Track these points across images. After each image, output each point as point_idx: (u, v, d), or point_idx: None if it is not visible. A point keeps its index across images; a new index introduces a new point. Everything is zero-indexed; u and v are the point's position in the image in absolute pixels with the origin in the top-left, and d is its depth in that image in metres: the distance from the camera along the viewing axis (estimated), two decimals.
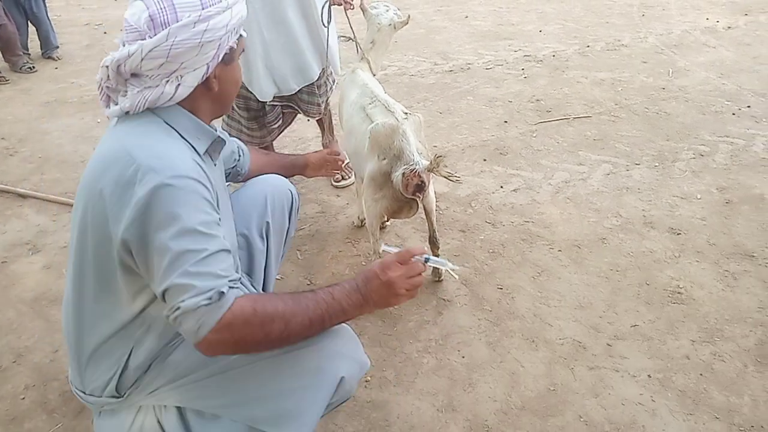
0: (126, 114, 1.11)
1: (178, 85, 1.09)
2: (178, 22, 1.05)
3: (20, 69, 4.25)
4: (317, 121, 2.80)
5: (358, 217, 2.48)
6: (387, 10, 2.33)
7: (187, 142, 1.13)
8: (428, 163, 1.74)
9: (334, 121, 2.83)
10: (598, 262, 2.29)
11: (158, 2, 1.06)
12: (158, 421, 1.22)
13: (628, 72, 4.19)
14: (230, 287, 1.04)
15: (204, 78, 1.12)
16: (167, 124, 1.12)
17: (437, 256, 2.00)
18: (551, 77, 4.15)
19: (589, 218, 2.56)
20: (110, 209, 1.03)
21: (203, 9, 1.07)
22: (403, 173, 1.77)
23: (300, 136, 3.33)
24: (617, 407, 1.69)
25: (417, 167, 1.76)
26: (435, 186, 2.77)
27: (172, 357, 1.20)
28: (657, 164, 2.98)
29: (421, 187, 1.81)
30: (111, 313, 1.14)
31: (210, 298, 1.01)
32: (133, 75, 1.09)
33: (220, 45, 1.10)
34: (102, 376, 1.18)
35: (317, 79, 2.48)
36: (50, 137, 3.34)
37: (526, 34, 5.15)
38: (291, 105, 2.57)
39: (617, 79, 4.07)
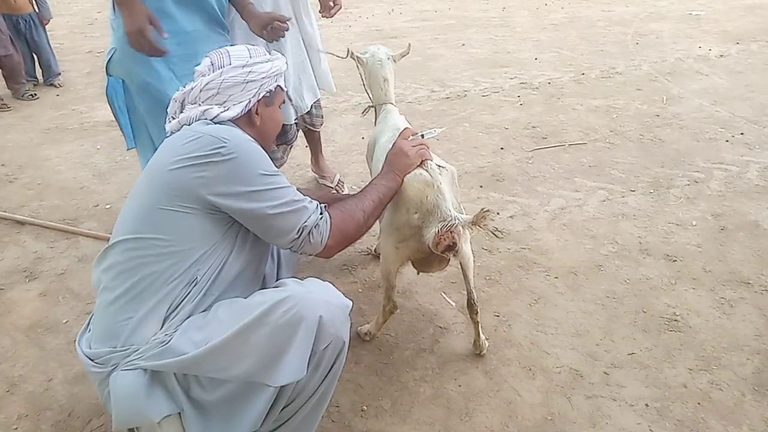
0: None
1: (226, 109, 1.43)
2: (229, 65, 1.43)
3: (22, 96, 4.31)
4: (307, 134, 2.97)
5: (375, 250, 2.46)
6: (378, 49, 2.22)
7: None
8: (469, 217, 1.62)
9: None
10: (594, 289, 2.29)
11: (220, 54, 1.47)
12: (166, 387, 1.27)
13: (623, 99, 4.25)
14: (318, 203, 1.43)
15: (246, 110, 1.45)
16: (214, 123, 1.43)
17: (477, 323, 1.91)
18: (547, 104, 4.21)
19: (585, 245, 2.57)
20: (200, 174, 1.28)
21: (251, 58, 1.46)
22: (436, 231, 1.64)
23: (298, 163, 3.36)
24: None
25: (454, 224, 1.63)
26: None
27: (210, 314, 1.30)
28: (652, 191, 3.01)
29: (452, 248, 1.68)
30: (171, 265, 1.29)
31: (321, 214, 1.42)
32: (192, 103, 1.45)
33: (261, 86, 1.46)
34: (143, 329, 1.27)
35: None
36: (50, 164, 3.37)
37: (522, 61, 5.23)
38: (298, 121, 2.73)
39: (612, 106, 4.12)
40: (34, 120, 4.03)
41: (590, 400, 1.81)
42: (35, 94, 4.38)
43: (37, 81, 4.64)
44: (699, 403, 1.79)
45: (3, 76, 4.34)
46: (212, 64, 1.45)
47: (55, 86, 4.61)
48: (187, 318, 1.30)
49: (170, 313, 1.28)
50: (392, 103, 2.15)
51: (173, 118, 1.47)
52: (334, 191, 2.93)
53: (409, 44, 2.40)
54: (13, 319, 2.14)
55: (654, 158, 3.36)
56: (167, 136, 1.45)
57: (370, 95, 2.19)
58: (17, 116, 4.10)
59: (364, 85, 2.23)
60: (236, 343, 1.22)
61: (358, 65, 2.21)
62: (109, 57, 1.95)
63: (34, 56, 4.59)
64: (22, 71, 4.34)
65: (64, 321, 2.12)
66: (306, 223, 1.37)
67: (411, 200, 1.66)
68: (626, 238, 2.61)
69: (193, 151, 1.29)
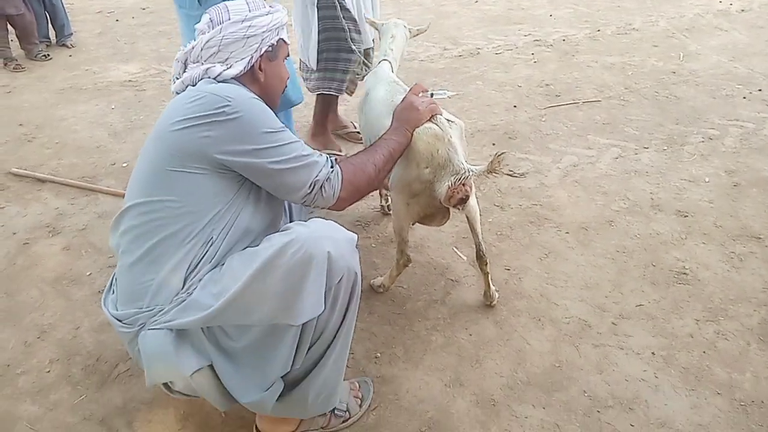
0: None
1: (229, 67, 1.40)
2: (228, 20, 1.39)
3: (35, 57, 4.33)
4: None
5: (387, 207, 2.49)
6: (396, 23, 2.26)
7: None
8: (483, 167, 1.60)
9: None
10: (605, 243, 2.32)
11: (218, 10, 1.42)
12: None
13: (639, 56, 4.17)
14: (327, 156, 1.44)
15: (249, 66, 1.42)
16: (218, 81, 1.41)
17: (486, 274, 1.95)
18: (561, 62, 4.14)
19: (596, 201, 2.58)
20: (206, 134, 1.28)
21: (250, 12, 1.41)
22: (449, 185, 1.63)
23: (308, 120, 3.37)
24: (621, 383, 1.74)
25: (467, 176, 1.62)
26: None
27: (224, 266, 1.32)
28: (666, 148, 2.99)
29: (464, 200, 1.67)
30: (188, 224, 1.31)
31: (332, 167, 1.42)
32: (194, 62, 1.43)
33: (262, 40, 1.42)
34: (169, 284, 1.31)
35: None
36: (66, 123, 3.41)
37: (536, 18, 5.13)
38: None
39: (627, 63, 4.05)
40: (48, 80, 4.06)
41: (598, 348, 1.86)
42: (48, 55, 4.40)
43: (50, 41, 4.64)
44: (704, 352, 1.83)
45: (16, 36, 4.34)
46: (211, 21, 1.41)
47: (68, 47, 4.61)
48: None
49: (190, 273, 1.31)
50: (389, 61, 2.17)
51: (177, 79, 1.46)
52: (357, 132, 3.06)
53: (429, 23, 2.40)
54: (39, 272, 2.22)
55: (669, 115, 3.32)
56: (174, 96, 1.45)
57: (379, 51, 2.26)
58: (31, 77, 4.13)
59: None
60: (252, 288, 1.24)
61: (375, 28, 2.34)
62: None
63: (48, 16, 4.57)
64: (35, 31, 4.34)
65: (87, 273, 2.20)
66: (317, 177, 1.37)
67: (421, 154, 1.65)
68: (638, 194, 2.62)
69: (198, 111, 1.28)
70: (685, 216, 2.47)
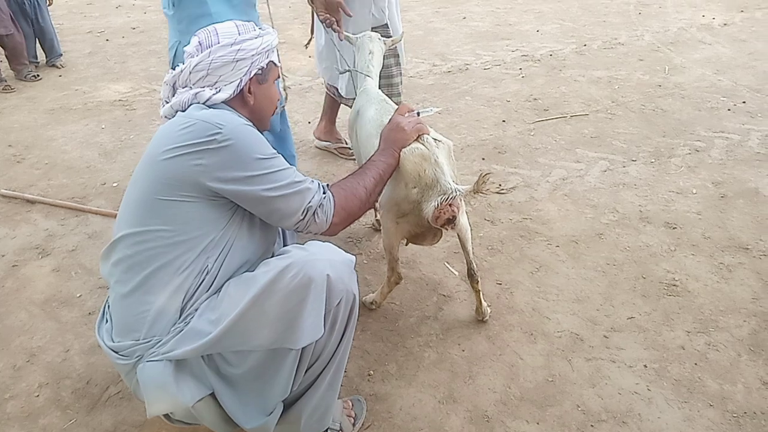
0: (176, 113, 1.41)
1: (218, 91, 1.39)
2: (218, 44, 1.38)
3: (25, 77, 4.32)
4: (332, 102, 3.12)
5: (377, 221, 2.50)
6: (371, 36, 2.28)
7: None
8: (469, 187, 1.61)
9: None
10: (595, 256, 2.34)
11: (207, 33, 1.41)
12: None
13: (625, 70, 4.24)
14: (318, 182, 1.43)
15: (239, 90, 1.41)
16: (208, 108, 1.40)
17: (478, 291, 1.94)
18: (548, 76, 4.20)
19: (586, 214, 2.60)
20: (197, 162, 1.27)
21: (239, 35, 1.40)
22: (436, 205, 1.63)
23: (302, 139, 3.38)
24: (614, 396, 1.74)
25: (453, 196, 1.62)
26: None
27: (221, 293, 1.32)
28: (653, 160, 3.03)
29: (451, 221, 1.68)
30: (181, 253, 1.30)
31: (324, 193, 1.42)
32: (183, 86, 1.42)
33: (252, 63, 1.41)
34: (165, 316, 1.30)
35: None
36: (56, 144, 3.40)
37: (524, 34, 5.20)
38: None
39: (614, 77, 4.11)
40: (38, 101, 4.05)
41: (590, 362, 1.86)
42: (38, 75, 4.39)
43: (39, 62, 4.64)
44: (696, 364, 1.84)
45: (5, 57, 4.34)
46: (200, 44, 1.39)
47: (57, 67, 4.61)
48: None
49: (187, 302, 1.30)
50: (372, 78, 2.19)
51: (166, 102, 1.44)
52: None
53: (402, 32, 2.44)
54: (29, 294, 2.20)
55: (655, 128, 3.37)
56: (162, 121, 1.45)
57: (355, 67, 2.27)
58: (21, 97, 4.12)
59: (352, 62, 2.32)
60: (251, 314, 1.24)
61: (350, 43, 2.33)
62: (174, 51, 2.08)
63: (36, 37, 4.58)
64: (25, 51, 4.34)
65: (77, 295, 2.18)
66: (311, 204, 1.37)
67: (409, 175, 1.65)
68: (627, 206, 2.65)
69: (189, 139, 1.27)
70: (674, 228, 2.49)
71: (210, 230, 1.31)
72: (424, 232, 1.82)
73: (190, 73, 1.38)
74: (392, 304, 2.12)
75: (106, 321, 1.39)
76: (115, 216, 2.64)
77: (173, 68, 2.12)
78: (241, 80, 1.40)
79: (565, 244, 2.41)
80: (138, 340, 1.29)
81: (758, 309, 2.05)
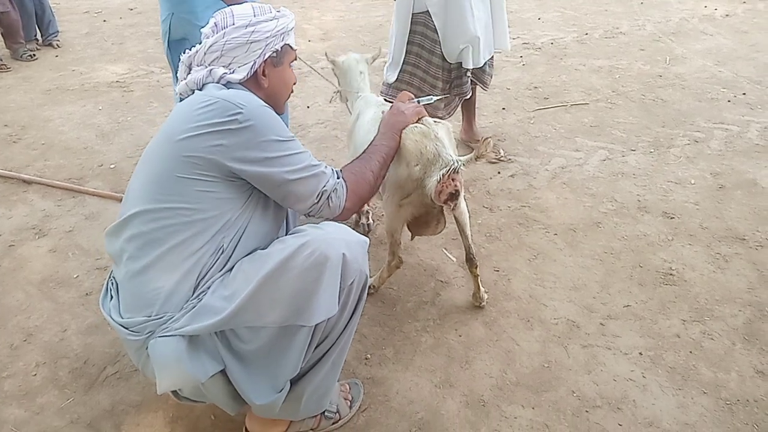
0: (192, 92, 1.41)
1: (232, 71, 1.40)
2: (232, 25, 1.39)
3: (21, 57, 4.28)
4: (463, 103, 2.96)
5: (367, 224, 2.46)
6: (356, 58, 2.25)
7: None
8: (471, 155, 1.61)
9: None
10: (592, 245, 2.34)
11: (224, 14, 1.42)
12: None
13: (626, 59, 4.22)
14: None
15: (253, 71, 1.42)
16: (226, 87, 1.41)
17: (476, 276, 1.96)
18: (549, 65, 4.18)
19: (584, 203, 2.61)
20: (218, 142, 1.27)
21: (254, 17, 1.41)
22: (439, 179, 1.62)
23: (300, 123, 3.37)
24: (609, 383, 1.75)
25: (456, 167, 1.62)
26: None
27: (233, 270, 1.32)
28: (652, 150, 3.03)
29: (454, 196, 1.67)
30: (197, 231, 1.30)
31: (338, 177, 1.45)
32: (198, 65, 1.43)
33: (266, 46, 1.42)
34: (179, 290, 1.29)
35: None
36: (53, 124, 3.38)
37: (525, 21, 5.17)
38: (475, 76, 2.81)
39: (615, 67, 4.10)
40: (34, 81, 4.01)
41: (586, 349, 1.87)
42: (34, 55, 4.35)
43: (36, 39, 4.59)
44: (691, 352, 1.86)
45: (1, 35, 4.29)
46: (216, 25, 1.41)
47: (53, 46, 4.56)
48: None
49: (200, 280, 1.30)
50: (366, 93, 2.22)
51: (183, 81, 1.46)
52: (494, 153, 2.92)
53: (380, 48, 2.38)
54: (26, 274, 2.20)
55: (655, 118, 3.36)
56: (178, 100, 1.45)
57: (347, 89, 2.24)
58: (17, 77, 4.08)
59: (337, 84, 2.32)
60: (266, 290, 1.25)
61: (333, 67, 2.28)
62: (168, 23, 2.06)
63: (36, 13, 4.51)
64: (20, 30, 4.29)
65: (74, 276, 2.18)
66: (325, 188, 1.40)
67: (411, 153, 1.67)
68: (625, 196, 2.65)
69: (210, 118, 1.27)
70: (672, 218, 2.50)
71: (227, 210, 1.32)
72: (428, 215, 1.83)
73: (205, 53, 1.40)
74: (390, 289, 2.12)
75: (111, 297, 1.38)
76: (112, 197, 2.64)
77: (168, 43, 2.12)
78: (255, 62, 1.41)
79: (563, 232, 2.42)
80: (150, 316, 1.28)
81: (753, 299, 2.06)
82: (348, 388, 1.68)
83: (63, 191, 2.72)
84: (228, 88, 1.38)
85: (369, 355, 1.85)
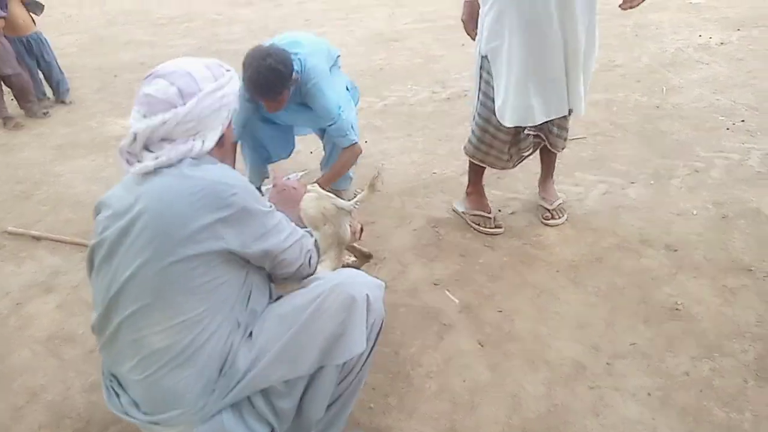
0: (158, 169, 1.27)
1: (203, 140, 1.30)
2: (201, 91, 1.27)
3: (35, 115, 4.42)
4: (542, 151, 2.74)
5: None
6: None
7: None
8: (363, 193, 1.94)
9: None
10: (596, 281, 2.32)
11: (182, 77, 1.27)
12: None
13: (623, 92, 4.26)
14: None
15: (220, 136, 1.35)
16: (199, 163, 1.31)
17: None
18: None
19: (585, 238, 2.60)
20: (222, 234, 1.23)
21: (216, 80, 1.31)
22: (350, 225, 1.91)
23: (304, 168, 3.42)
24: (618, 427, 1.71)
25: (356, 208, 1.92)
26: (435, 212, 2.85)
27: (254, 332, 1.34)
28: (653, 182, 3.03)
29: (362, 229, 2.01)
30: (202, 318, 1.26)
31: (311, 236, 1.49)
32: (162, 139, 1.27)
33: (229, 108, 1.35)
34: (196, 384, 1.27)
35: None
36: (63, 179, 3.46)
37: None
38: (540, 135, 2.57)
39: (612, 100, 4.14)
40: (47, 137, 4.14)
41: (593, 390, 1.84)
42: (47, 112, 4.49)
43: (48, 98, 4.74)
44: (701, 391, 1.81)
45: (14, 96, 4.44)
46: (180, 92, 1.25)
47: (65, 103, 4.71)
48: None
49: (225, 361, 1.29)
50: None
51: (132, 156, 1.27)
52: (549, 215, 2.72)
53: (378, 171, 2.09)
54: (32, 332, 2.22)
55: (654, 149, 3.37)
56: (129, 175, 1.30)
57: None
58: (31, 134, 4.21)
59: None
60: (298, 340, 1.31)
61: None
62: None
63: (42, 74, 4.68)
64: (32, 89, 4.45)
65: (80, 332, 2.20)
66: (309, 248, 1.44)
67: (316, 218, 1.87)
68: (627, 229, 2.64)
69: (206, 207, 1.21)
70: (675, 250, 2.48)
71: (234, 292, 1.31)
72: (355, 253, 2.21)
73: (177, 124, 1.24)
74: (393, 333, 2.11)
75: (117, 395, 1.34)
76: None
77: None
78: (223, 125, 1.34)
79: (566, 269, 2.41)
80: (182, 409, 1.26)
81: (764, 332, 2.02)
82: None
83: (71, 246, 2.77)
84: (198, 162, 1.29)
85: (372, 405, 1.83)
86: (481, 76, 2.46)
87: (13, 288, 2.48)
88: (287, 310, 1.35)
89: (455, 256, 2.53)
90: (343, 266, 2.03)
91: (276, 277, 1.44)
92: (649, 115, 3.85)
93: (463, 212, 2.78)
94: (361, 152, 2.68)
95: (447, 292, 2.31)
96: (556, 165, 2.84)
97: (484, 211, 2.69)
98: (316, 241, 1.51)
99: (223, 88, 1.31)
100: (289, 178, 1.94)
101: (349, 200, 1.94)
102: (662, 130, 3.61)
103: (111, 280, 1.26)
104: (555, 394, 1.84)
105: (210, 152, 1.33)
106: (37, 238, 2.84)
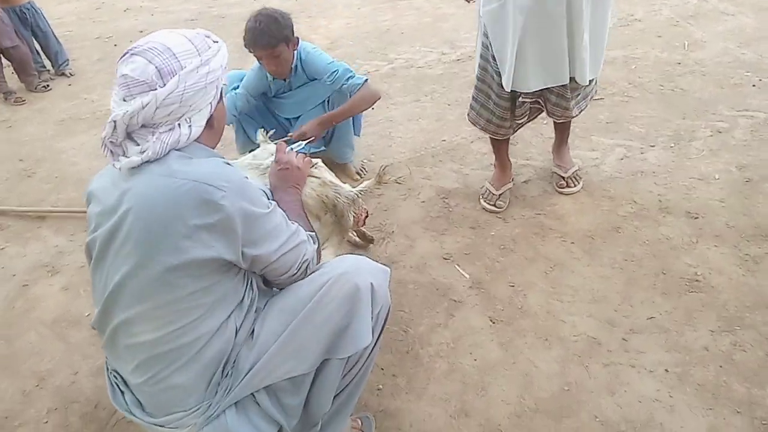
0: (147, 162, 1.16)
1: (190, 126, 1.19)
2: (183, 69, 1.15)
3: (35, 89, 4.34)
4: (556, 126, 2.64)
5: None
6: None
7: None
8: (371, 182, 1.79)
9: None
10: (612, 252, 2.24)
11: (160, 54, 1.14)
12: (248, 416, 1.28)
13: (642, 48, 4.06)
14: None
15: (209, 115, 1.23)
16: (188, 156, 1.20)
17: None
18: None
19: (602, 207, 2.50)
20: (212, 244, 1.14)
21: (200, 55, 1.19)
22: (353, 214, 1.80)
23: None
24: (634, 405, 1.66)
25: (359, 197, 1.78)
26: (444, 182, 2.76)
27: (256, 328, 1.29)
28: (673, 145, 2.89)
29: (367, 216, 1.91)
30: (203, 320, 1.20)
31: (314, 242, 1.37)
32: (143, 126, 1.16)
33: (218, 85, 1.23)
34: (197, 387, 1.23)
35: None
36: (66, 156, 3.41)
37: None
38: (539, 102, 2.40)
39: (630, 57, 3.95)
40: (48, 112, 4.06)
41: (608, 367, 1.78)
42: (48, 86, 4.41)
43: (48, 70, 4.65)
44: (721, 366, 1.75)
45: (14, 69, 4.36)
46: (159, 71, 1.13)
47: (66, 75, 4.62)
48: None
49: (227, 360, 1.25)
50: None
51: (116, 147, 1.18)
52: (564, 183, 2.61)
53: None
54: (38, 314, 2.21)
55: (675, 110, 3.22)
56: (115, 167, 1.20)
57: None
58: (32, 109, 4.14)
59: None
60: (301, 334, 1.25)
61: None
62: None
63: (39, 46, 4.57)
64: (32, 63, 4.35)
65: (86, 314, 2.18)
66: (306, 257, 1.31)
67: (316, 207, 1.74)
68: (645, 196, 2.53)
69: (189, 211, 1.11)
70: (696, 217, 2.37)
71: (234, 292, 1.24)
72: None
73: (157, 108, 1.12)
74: (401, 311, 2.06)
75: (122, 392, 1.29)
76: None
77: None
78: (211, 105, 1.22)
79: (581, 240, 2.32)
80: (187, 410, 1.22)
81: None
82: (360, 423, 1.63)
83: (75, 225, 2.73)
84: (187, 154, 1.19)
85: (381, 386, 1.79)
86: (482, 41, 2.33)
87: (18, 270, 2.46)
88: (289, 303, 1.29)
89: (465, 229, 2.45)
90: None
91: (271, 281, 1.35)
92: (670, 72, 3.66)
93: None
94: (379, 95, 2.60)
95: (457, 267, 2.25)
96: (571, 129, 2.71)
97: (494, 186, 2.58)
98: (318, 246, 1.40)
99: (209, 63, 1.19)
100: (292, 149, 1.74)
101: (353, 188, 1.81)
102: (683, 89, 3.43)
103: (105, 281, 1.21)
104: (568, 371, 1.78)
105: (199, 138, 1.23)
106: (42, 217, 2.80)
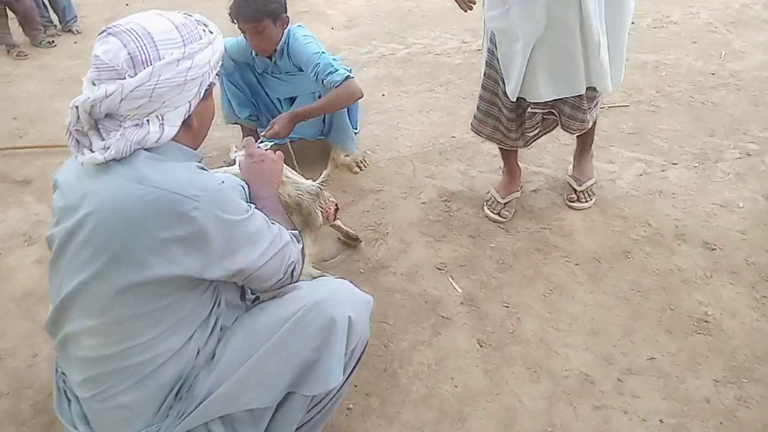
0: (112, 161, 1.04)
1: (162, 123, 1.06)
2: (161, 60, 1.01)
3: (40, 44, 4.22)
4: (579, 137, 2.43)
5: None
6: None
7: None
8: (325, 172, 1.72)
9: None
10: (618, 279, 2.08)
11: (137, 39, 1.01)
12: None
13: (675, 54, 3.82)
14: None
15: (186, 116, 1.10)
16: (159, 157, 1.07)
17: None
18: None
19: (613, 227, 2.33)
20: (183, 259, 1.03)
21: (185, 46, 1.05)
22: (321, 209, 1.71)
23: None
24: None
25: (323, 190, 1.71)
26: (449, 183, 2.60)
27: (218, 351, 1.19)
28: (697, 164, 2.70)
29: (337, 209, 1.82)
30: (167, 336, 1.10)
31: (298, 241, 1.25)
32: (107, 116, 1.03)
33: (202, 82, 1.09)
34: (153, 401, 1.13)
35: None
36: (60, 118, 3.29)
37: None
38: (554, 113, 2.22)
39: (661, 62, 3.71)
40: (50, 69, 3.95)
41: (598, 410, 1.64)
42: (53, 42, 4.28)
43: (55, 25, 4.52)
44: (721, 423, 1.60)
45: (19, 22, 4.23)
46: (132, 59, 1.00)
47: (73, 32, 4.49)
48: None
49: (183, 383, 1.16)
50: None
51: (83, 137, 1.06)
52: (575, 197, 2.42)
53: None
54: (9, 287, 2.11)
55: (703, 125, 3.01)
56: (77, 160, 1.09)
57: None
58: (34, 65, 4.03)
59: None
60: (267, 364, 1.15)
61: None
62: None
63: (47, 0, 4.44)
64: (37, 17, 4.23)
65: None
66: (291, 260, 1.20)
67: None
68: (661, 220, 2.35)
69: (155, 222, 0.99)
70: (713, 249, 2.20)
71: (198, 310, 1.13)
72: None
73: (123, 100, 0.99)
74: (385, 323, 1.93)
75: (69, 401, 1.20)
76: None
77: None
78: (189, 104, 1.09)
79: (586, 262, 2.16)
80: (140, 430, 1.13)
81: None
82: None
83: None
84: (159, 156, 1.06)
85: (351, 405, 1.67)
86: (488, 47, 2.14)
87: None
88: (257, 327, 1.18)
89: (464, 237, 2.30)
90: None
91: (258, 290, 1.26)
92: (702, 83, 3.43)
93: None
94: (360, 93, 2.44)
95: (450, 279, 2.10)
96: (594, 138, 2.51)
97: (500, 194, 2.41)
98: (303, 247, 1.28)
99: (192, 57, 1.04)
100: (259, 147, 1.62)
101: (313, 181, 1.72)
102: (714, 102, 3.21)
103: (60, 285, 1.11)
104: (555, 411, 1.65)
105: (175, 137, 1.09)
106: (27, 182, 2.70)
